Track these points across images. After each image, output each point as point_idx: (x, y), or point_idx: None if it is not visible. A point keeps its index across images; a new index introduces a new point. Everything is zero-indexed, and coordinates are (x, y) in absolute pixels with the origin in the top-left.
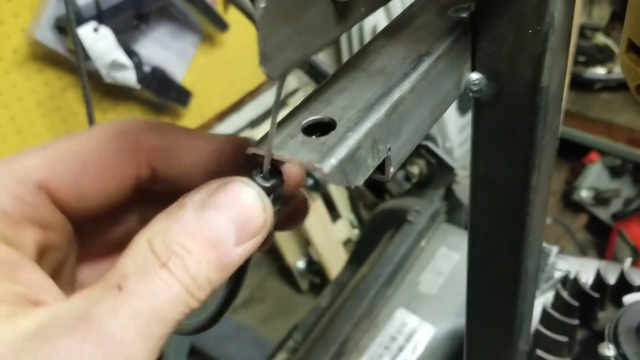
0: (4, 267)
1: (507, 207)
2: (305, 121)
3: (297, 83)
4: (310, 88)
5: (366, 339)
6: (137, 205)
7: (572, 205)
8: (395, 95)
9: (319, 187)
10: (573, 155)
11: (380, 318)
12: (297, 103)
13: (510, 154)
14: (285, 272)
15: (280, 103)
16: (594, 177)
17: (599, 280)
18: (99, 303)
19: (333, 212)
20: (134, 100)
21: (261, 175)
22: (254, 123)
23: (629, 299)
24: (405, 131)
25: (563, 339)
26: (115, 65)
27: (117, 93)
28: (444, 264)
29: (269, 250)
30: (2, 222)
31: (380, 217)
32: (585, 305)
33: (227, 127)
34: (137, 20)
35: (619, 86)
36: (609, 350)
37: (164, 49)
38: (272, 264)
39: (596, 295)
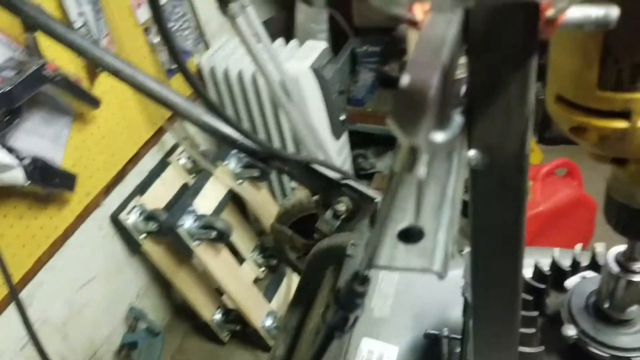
0: None
1: (503, 245)
2: (396, 230)
3: (176, 139)
4: (187, 141)
5: None
6: None
7: None
8: (450, 191)
9: (223, 238)
10: None
11: (350, 353)
12: (180, 158)
13: (505, 205)
14: (202, 329)
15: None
16: None
17: (539, 272)
18: None
19: (237, 256)
20: (17, 196)
21: None
22: (142, 189)
23: (570, 282)
24: (457, 215)
25: (531, 330)
26: (1, 167)
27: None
28: (388, 286)
29: (182, 311)
30: None
31: (319, 256)
32: (536, 297)
33: (114, 198)
34: (8, 116)
35: None
36: (570, 330)
37: (38, 137)
38: (188, 323)
39: (542, 286)
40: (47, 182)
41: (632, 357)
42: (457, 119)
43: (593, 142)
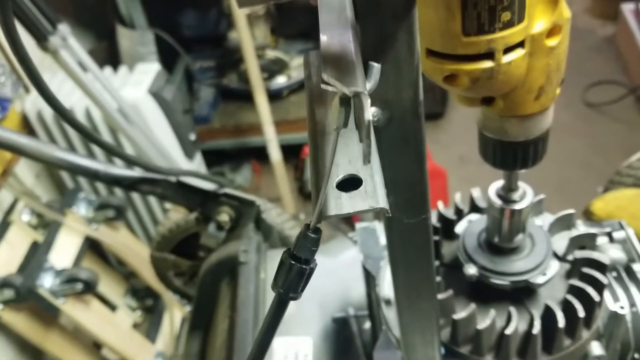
0: None
1: (411, 194)
2: (335, 183)
3: (14, 194)
4: (27, 195)
5: None
6: None
7: (308, 196)
8: (373, 140)
9: (90, 288)
10: (292, 155)
11: (266, 358)
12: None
13: (409, 155)
14: None
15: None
16: None
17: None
18: None
19: (108, 304)
20: None
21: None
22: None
23: (459, 228)
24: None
25: (438, 279)
26: None
27: None
28: None
29: None
30: None
31: (211, 272)
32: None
33: None
34: None
35: (300, 87)
36: (471, 269)
37: None
38: None
39: (435, 237)
40: None
41: (529, 278)
42: (375, 66)
43: (465, 87)
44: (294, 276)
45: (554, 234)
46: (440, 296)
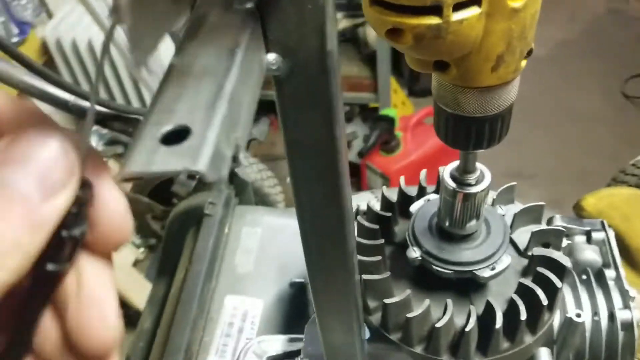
0: None
1: (321, 161)
2: (159, 133)
3: None
4: None
5: (207, 335)
6: None
7: None
8: (228, 88)
9: None
10: None
11: (213, 312)
12: None
13: (314, 114)
14: None
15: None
16: None
17: (386, 201)
18: None
19: None
20: None
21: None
22: None
23: (414, 207)
24: (243, 118)
25: (377, 258)
26: None
27: None
28: (250, 241)
29: None
30: None
31: (178, 220)
32: (384, 225)
33: None
34: None
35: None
36: (414, 252)
37: None
38: None
39: (388, 214)
40: None
41: (475, 270)
42: None
43: (409, 45)
44: None
45: (519, 226)
46: (374, 277)
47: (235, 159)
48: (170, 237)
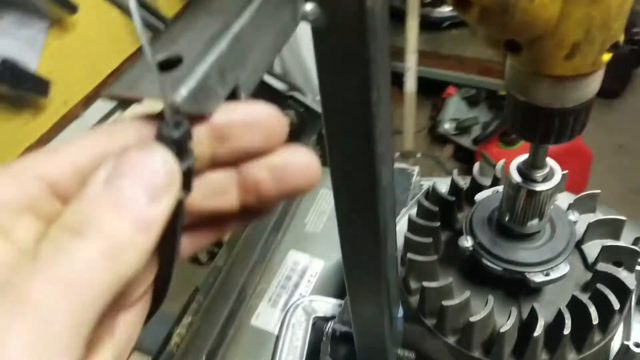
0: None
1: (355, 122)
2: (153, 60)
3: None
4: None
5: (264, 283)
6: None
7: (438, 138)
8: (235, 28)
9: None
10: (433, 92)
11: (274, 262)
12: None
13: (350, 75)
14: None
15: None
16: (454, 109)
17: (454, 186)
18: (13, 276)
19: None
20: None
21: (167, 126)
22: (123, 104)
23: (479, 196)
24: (251, 61)
25: (427, 240)
26: None
27: None
28: (325, 204)
29: None
30: None
31: None
32: (445, 209)
33: (95, 112)
34: None
35: (464, 22)
36: (467, 241)
37: (11, 39)
38: None
39: (452, 198)
40: (18, 84)
41: (526, 272)
42: None
43: (475, 19)
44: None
45: (594, 238)
46: (420, 258)
47: (236, 97)
48: None
